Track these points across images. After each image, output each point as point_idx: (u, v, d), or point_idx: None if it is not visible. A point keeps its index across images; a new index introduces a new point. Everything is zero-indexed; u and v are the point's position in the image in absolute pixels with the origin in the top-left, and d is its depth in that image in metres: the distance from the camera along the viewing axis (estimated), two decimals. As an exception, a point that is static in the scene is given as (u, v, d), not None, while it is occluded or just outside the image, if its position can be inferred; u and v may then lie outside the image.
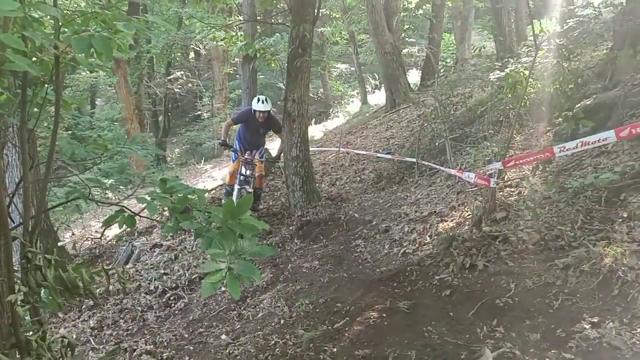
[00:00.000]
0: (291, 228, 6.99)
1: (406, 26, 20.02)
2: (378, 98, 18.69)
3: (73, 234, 9.75)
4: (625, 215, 3.79)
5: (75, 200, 3.26)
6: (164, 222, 2.77)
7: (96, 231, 9.81)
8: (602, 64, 7.23)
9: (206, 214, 2.87)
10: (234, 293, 2.56)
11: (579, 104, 6.50)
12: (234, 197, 7.13)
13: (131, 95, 17.80)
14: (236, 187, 7.30)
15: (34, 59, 2.23)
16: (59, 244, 8.14)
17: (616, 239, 3.48)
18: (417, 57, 21.68)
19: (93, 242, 8.95)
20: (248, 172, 7.35)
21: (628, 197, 3.99)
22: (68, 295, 2.08)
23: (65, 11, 2.81)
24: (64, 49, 2.01)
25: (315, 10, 7.46)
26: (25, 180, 2.44)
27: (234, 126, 8.21)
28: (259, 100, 7.42)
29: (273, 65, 10.49)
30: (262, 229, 2.82)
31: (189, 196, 2.83)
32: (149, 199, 2.80)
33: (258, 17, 11.07)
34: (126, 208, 2.77)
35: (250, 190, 7.32)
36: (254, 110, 7.36)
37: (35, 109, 2.57)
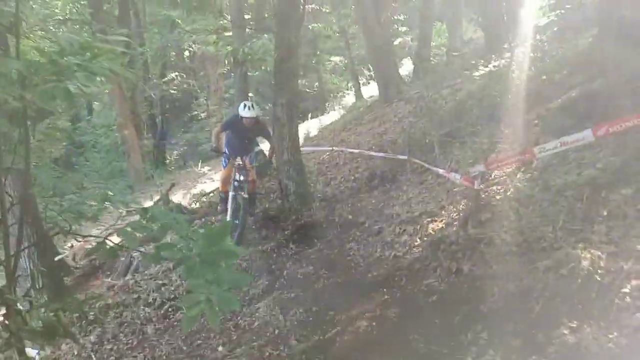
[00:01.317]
0: (286, 232, 7.05)
1: (398, 16, 19.96)
2: (373, 89, 18.65)
3: (72, 245, 9.83)
4: (605, 214, 3.84)
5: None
6: (143, 252, 2.83)
7: (96, 242, 9.87)
8: (588, 51, 7.24)
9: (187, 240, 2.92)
10: (212, 323, 2.63)
11: (565, 95, 6.54)
12: (229, 204, 7.14)
13: (126, 100, 17.77)
14: (230, 193, 7.24)
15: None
16: (58, 257, 8.23)
17: (594, 240, 3.53)
18: (410, 47, 21.57)
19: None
20: (242, 178, 7.22)
21: (609, 194, 4.03)
22: (48, 337, 2.15)
23: (40, 47, 2.86)
24: (29, 99, 2.07)
25: (301, 12, 7.48)
26: (3, 221, 2.50)
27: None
28: (245, 106, 7.22)
29: (263, 68, 10.50)
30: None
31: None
32: (129, 229, 2.85)
33: (247, 20, 11.06)
34: (107, 239, 2.84)
35: (246, 195, 7.27)
36: (241, 117, 7.17)
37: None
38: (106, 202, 3.13)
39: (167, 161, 21.73)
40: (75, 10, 19.68)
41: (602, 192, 4.11)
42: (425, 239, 5.24)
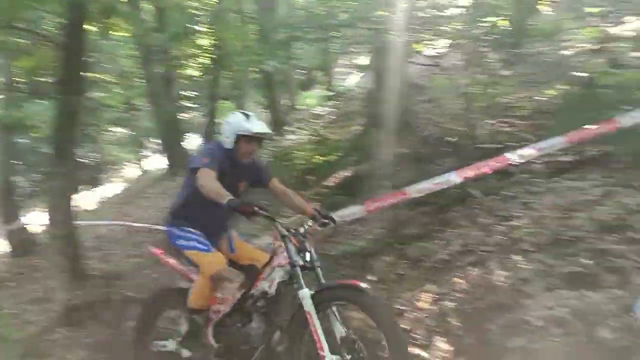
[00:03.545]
0: (52, 315, 6.29)
1: (187, 93, 20.24)
2: (158, 162, 18.31)
3: None
4: (375, 279, 4.35)
5: None
6: None
7: None
8: (358, 138, 8.30)
9: None
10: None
11: (340, 174, 7.34)
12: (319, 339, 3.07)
13: None
14: (307, 292, 3.16)
15: None
16: None
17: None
18: (198, 123, 21.96)
19: None
20: (310, 255, 3.30)
21: (375, 262, 4.62)
22: None
23: None
24: None
25: (85, 79, 7.11)
26: None
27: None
28: (248, 116, 3.57)
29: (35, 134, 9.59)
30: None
31: None
32: None
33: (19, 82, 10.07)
34: None
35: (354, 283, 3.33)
36: (240, 136, 3.49)
37: None
38: None
39: None
40: None
41: (370, 260, 4.69)
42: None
